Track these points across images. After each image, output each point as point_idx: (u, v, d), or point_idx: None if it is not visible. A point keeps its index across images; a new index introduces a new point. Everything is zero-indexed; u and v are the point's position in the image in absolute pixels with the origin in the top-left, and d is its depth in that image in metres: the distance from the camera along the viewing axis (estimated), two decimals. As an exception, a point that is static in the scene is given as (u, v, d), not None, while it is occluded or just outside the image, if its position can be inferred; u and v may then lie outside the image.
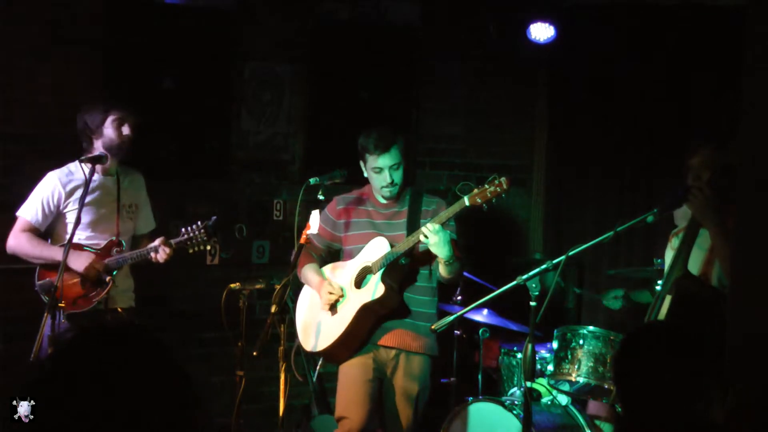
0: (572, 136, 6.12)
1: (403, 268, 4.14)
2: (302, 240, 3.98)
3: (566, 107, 6.11)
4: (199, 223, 4.33)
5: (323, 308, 4.22)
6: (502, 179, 3.87)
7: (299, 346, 4.46)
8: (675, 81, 5.34)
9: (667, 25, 5.34)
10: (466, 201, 3.91)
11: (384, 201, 4.28)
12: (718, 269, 3.80)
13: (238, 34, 5.46)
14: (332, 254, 4.44)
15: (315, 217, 4.03)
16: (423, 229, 3.95)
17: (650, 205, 4.01)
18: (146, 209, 4.60)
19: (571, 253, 3.72)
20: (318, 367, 4.96)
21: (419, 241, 3.99)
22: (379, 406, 4.26)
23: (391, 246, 4.11)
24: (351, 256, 4.27)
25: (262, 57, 5.54)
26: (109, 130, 4.27)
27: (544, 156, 6.28)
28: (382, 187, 4.19)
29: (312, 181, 4.27)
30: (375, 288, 4.09)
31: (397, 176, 4.17)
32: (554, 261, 3.69)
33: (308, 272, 4.33)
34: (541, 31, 5.67)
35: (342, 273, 4.27)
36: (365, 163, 4.21)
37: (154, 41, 5.20)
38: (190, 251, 4.36)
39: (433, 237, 3.90)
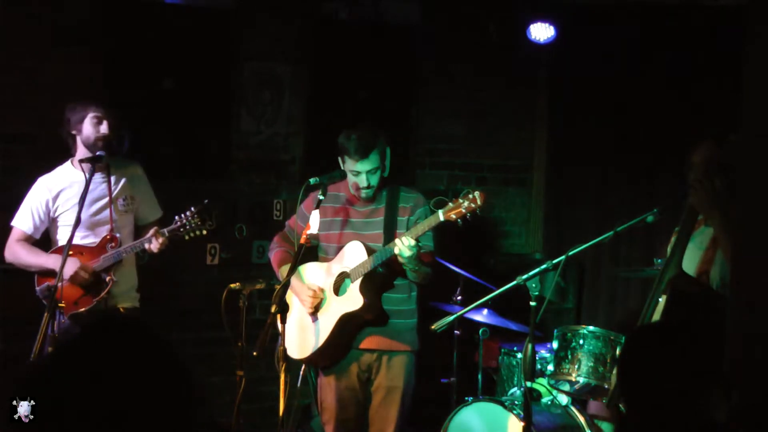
0: (572, 136, 6.12)
1: (381, 276, 4.17)
2: (302, 240, 3.98)
3: (566, 107, 6.11)
4: (192, 209, 4.33)
5: (308, 311, 4.24)
6: (476, 193, 3.84)
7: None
8: (675, 80, 5.34)
9: (667, 25, 5.34)
10: (441, 216, 3.90)
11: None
12: (718, 267, 3.79)
13: (238, 34, 5.45)
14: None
15: (315, 217, 4.03)
16: (397, 242, 3.96)
17: (650, 205, 4.01)
18: (147, 198, 4.56)
19: (571, 253, 3.73)
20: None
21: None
22: (363, 410, 4.29)
23: (368, 250, 4.12)
24: (327, 253, 4.29)
25: (262, 57, 5.54)
26: (87, 126, 4.30)
27: (544, 156, 6.29)
28: (359, 188, 4.20)
29: (312, 181, 4.26)
30: (354, 297, 4.12)
31: (374, 179, 4.17)
32: (554, 261, 3.69)
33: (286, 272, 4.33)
34: (541, 31, 5.67)
35: (320, 276, 4.28)
36: (343, 163, 4.21)
37: (154, 41, 5.20)
38: (186, 238, 4.34)
39: (407, 252, 3.94)
